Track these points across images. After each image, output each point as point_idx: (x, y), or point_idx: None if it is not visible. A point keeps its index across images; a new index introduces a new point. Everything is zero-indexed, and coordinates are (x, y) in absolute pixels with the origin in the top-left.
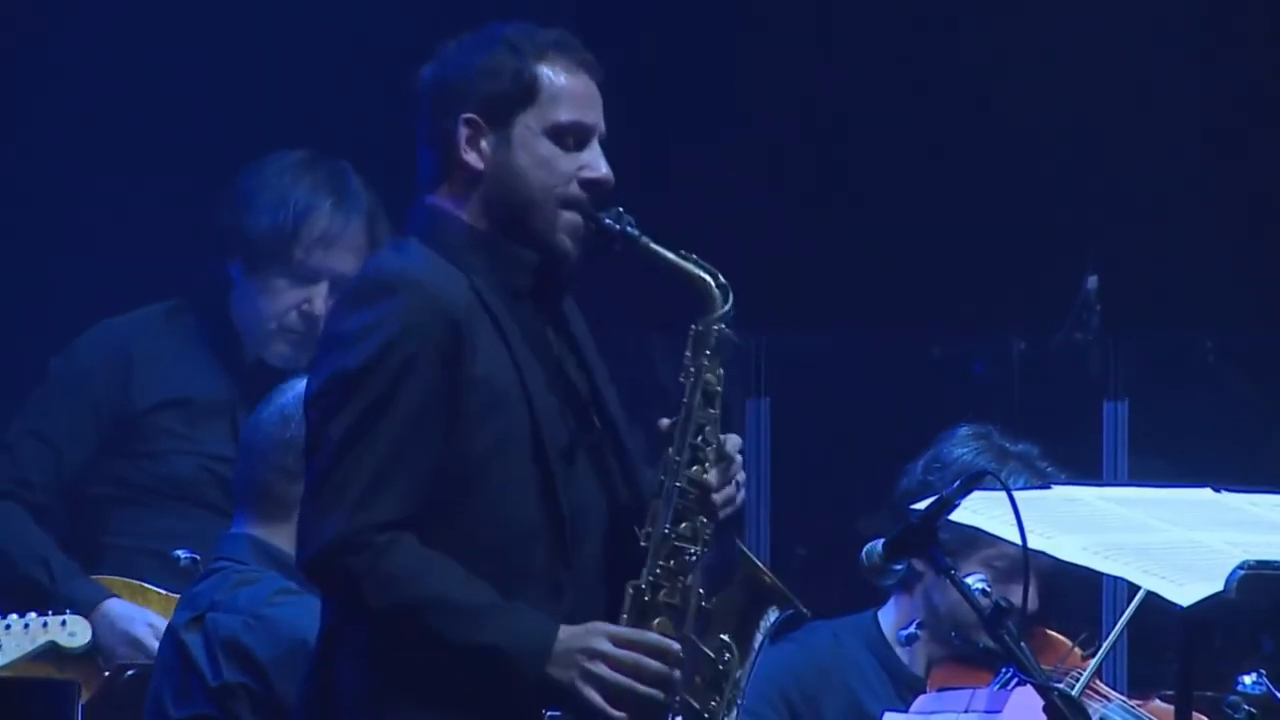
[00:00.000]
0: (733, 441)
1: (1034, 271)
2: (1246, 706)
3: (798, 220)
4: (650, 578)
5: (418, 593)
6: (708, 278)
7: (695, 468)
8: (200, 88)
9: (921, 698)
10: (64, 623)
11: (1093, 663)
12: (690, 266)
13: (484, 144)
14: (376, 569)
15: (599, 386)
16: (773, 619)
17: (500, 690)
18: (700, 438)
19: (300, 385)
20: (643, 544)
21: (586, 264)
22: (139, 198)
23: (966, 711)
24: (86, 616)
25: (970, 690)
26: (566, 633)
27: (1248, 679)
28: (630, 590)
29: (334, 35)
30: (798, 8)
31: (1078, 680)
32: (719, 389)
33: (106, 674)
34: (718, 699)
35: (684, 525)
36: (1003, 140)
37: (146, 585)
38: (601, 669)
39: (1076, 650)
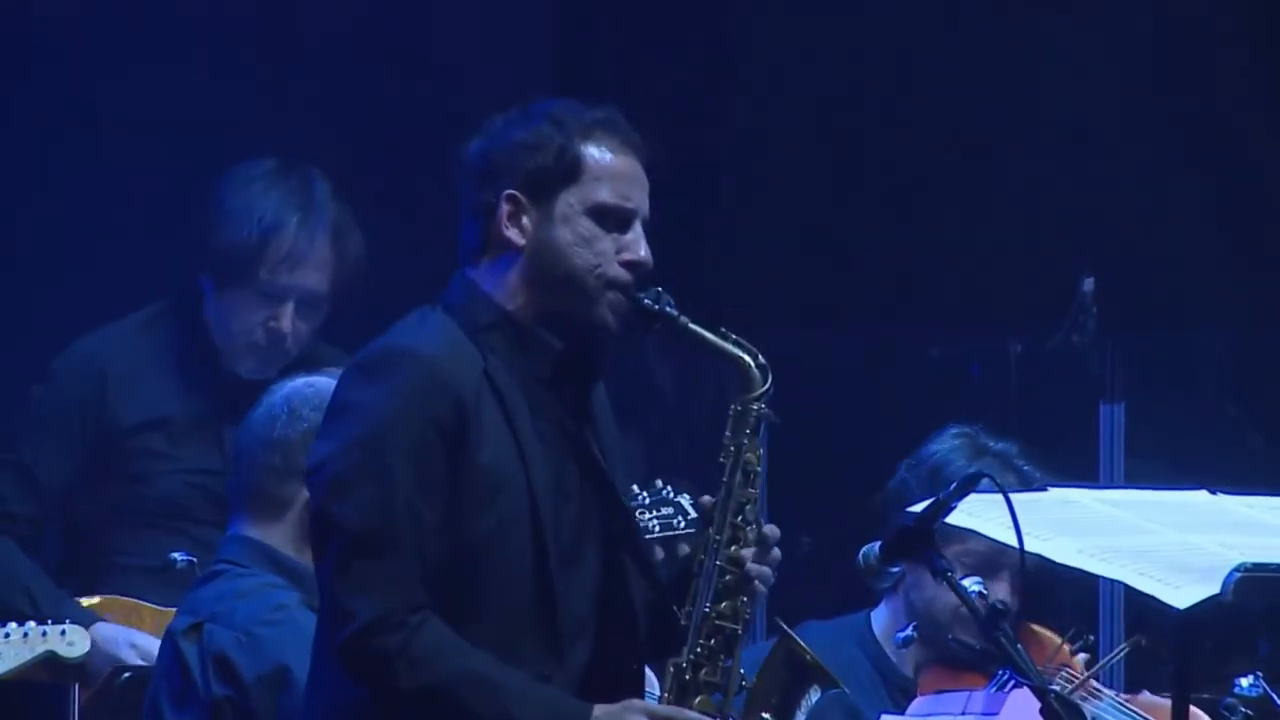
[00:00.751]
0: (770, 529)
1: (1031, 273)
2: (1243, 709)
3: (796, 221)
4: (691, 656)
5: (452, 671)
6: (747, 358)
7: (734, 547)
8: (177, 89)
9: (918, 700)
10: (63, 632)
11: (1092, 670)
12: (730, 347)
13: (525, 220)
14: (410, 649)
15: (613, 476)
16: (814, 698)
17: None
18: (740, 517)
19: (288, 386)
20: (683, 622)
21: (617, 349)
22: (117, 201)
23: (964, 714)
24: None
25: (967, 692)
26: (603, 710)
27: (1244, 681)
28: (671, 668)
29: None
30: (799, 9)
31: (1069, 678)
32: (758, 469)
33: (105, 675)
34: None
35: (724, 604)
36: (1002, 142)
37: (141, 603)
38: None
39: (1065, 647)
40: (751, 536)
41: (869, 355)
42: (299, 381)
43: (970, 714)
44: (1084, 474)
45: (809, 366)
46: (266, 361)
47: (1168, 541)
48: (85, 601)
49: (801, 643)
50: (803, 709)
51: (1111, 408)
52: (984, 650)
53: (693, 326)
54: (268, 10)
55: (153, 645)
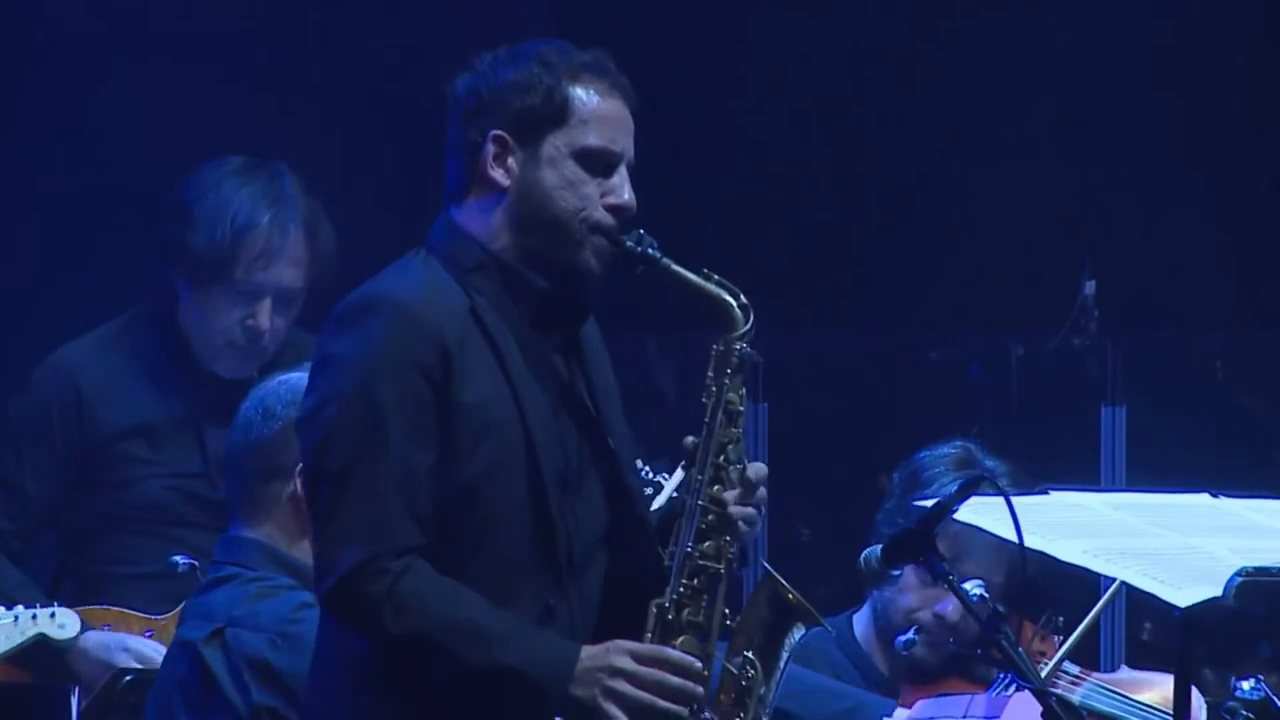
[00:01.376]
0: (756, 468)
1: (1032, 275)
2: (1244, 712)
3: (796, 223)
4: (674, 596)
5: (437, 616)
6: (729, 298)
7: (717, 487)
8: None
9: (920, 703)
10: (53, 615)
11: (1061, 651)
12: (712, 287)
13: (511, 161)
14: (394, 594)
15: (606, 415)
16: (797, 636)
17: (522, 712)
18: (723, 456)
19: (263, 389)
20: (666, 563)
21: (604, 288)
22: (89, 209)
23: (965, 717)
24: (65, 654)
25: (969, 695)
26: (588, 652)
27: (1245, 684)
28: (654, 609)
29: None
30: (801, 9)
31: (1045, 664)
32: (741, 409)
33: (104, 680)
34: (743, 715)
35: (707, 544)
36: (1003, 142)
37: (129, 611)
38: (624, 686)
39: (1038, 634)
40: (735, 477)
41: (869, 356)
42: (273, 382)
43: (972, 716)
44: (1085, 476)
45: (809, 368)
46: (246, 359)
47: (1170, 545)
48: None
49: (785, 583)
50: (786, 648)
51: (1112, 410)
52: (984, 653)
53: (675, 268)
54: (259, 8)
55: (146, 648)
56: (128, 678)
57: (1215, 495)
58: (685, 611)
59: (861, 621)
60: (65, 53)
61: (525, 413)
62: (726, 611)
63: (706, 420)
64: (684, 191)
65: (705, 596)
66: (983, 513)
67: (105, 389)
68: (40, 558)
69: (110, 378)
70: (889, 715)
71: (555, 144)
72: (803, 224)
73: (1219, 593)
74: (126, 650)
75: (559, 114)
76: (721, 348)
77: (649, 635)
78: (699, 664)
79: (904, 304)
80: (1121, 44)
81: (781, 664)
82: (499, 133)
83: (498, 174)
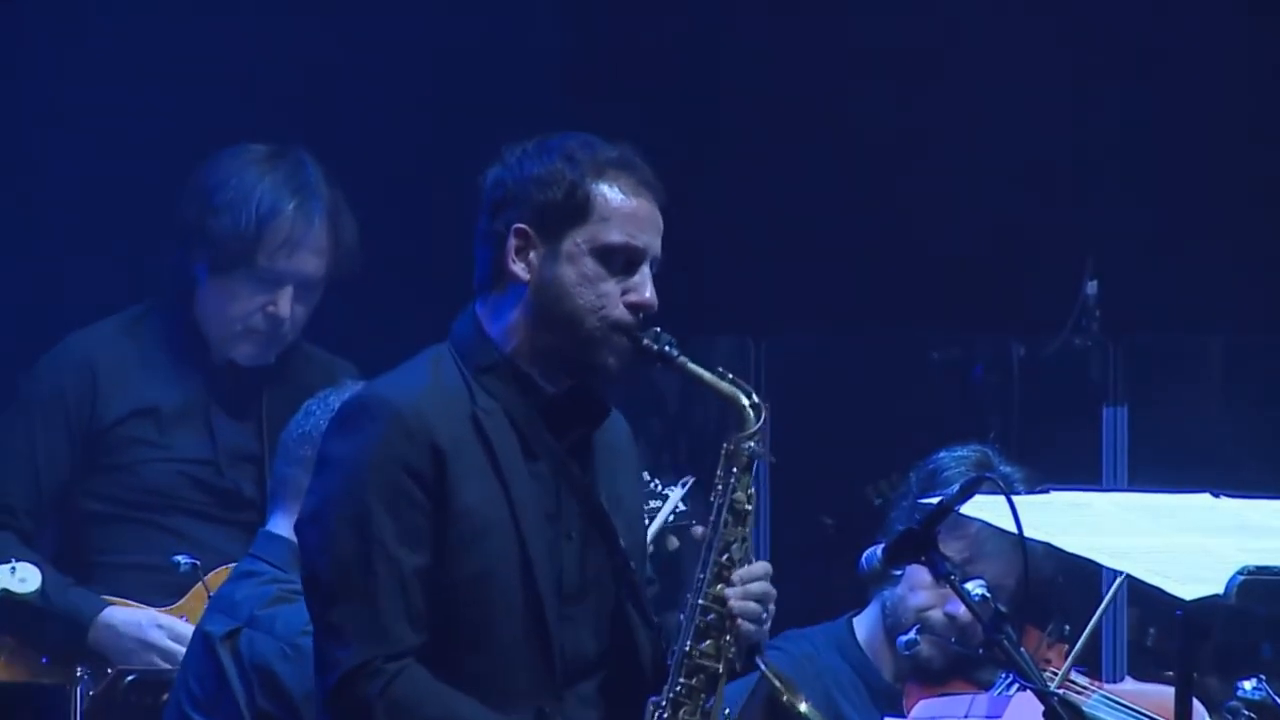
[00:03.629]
0: (759, 566)
1: (1033, 276)
2: (1246, 712)
3: (797, 224)
4: (671, 694)
5: (428, 717)
6: (741, 397)
7: (720, 585)
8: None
9: (921, 703)
10: (13, 570)
11: (1068, 660)
12: (725, 385)
13: (532, 256)
14: (387, 696)
15: (614, 525)
16: None
17: None
18: (726, 556)
19: (330, 390)
20: (667, 661)
21: (616, 390)
22: (103, 193)
23: (967, 717)
24: (88, 629)
25: (970, 696)
26: None
27: (1248, 684)
28: (650, 707)
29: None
30: (792, 14)
31: (1054, 674)
32: (749, 508)
33: (109, 675)
34: None
35: (706, 643)
36: (1002, 144)
37: (129, 602)
38: None
39: (1045, 641)
40: (736, 576)
41: (871, 358)
42: (340, 387)
43: (974, 717)
44: (1087, 476)
45: (810, 369)
46: (265, 347)
47: (1172, 544)
48: None
49: (781, 683)
50: None
51: (1114, 410)
52: (987, 654)
53: (691, 366)
54: (266, 6)
55: (178, 624)
56: (130, 678)
57: (1216, 495)
58: (682, 710)
59: (865, 624)
60: (79, 38)
61: (519, 519)
62: (728, 712)
63: (712, 519)
64: (685, 192)
65: (703, 695)
66: (987, 511)
67: (118, 373)
68: (38, 548)
69: (124, 363)
70: None
71: (576, 240)
72: (804, 226)
73: (1221, 591)
74: (160, 626)
75: (580, 210)
76: (731, 447)
77: None
78: None
79: (905, 305)
80: (1122, 45)
81: None
82: (521, 226)
83: (518, 268)
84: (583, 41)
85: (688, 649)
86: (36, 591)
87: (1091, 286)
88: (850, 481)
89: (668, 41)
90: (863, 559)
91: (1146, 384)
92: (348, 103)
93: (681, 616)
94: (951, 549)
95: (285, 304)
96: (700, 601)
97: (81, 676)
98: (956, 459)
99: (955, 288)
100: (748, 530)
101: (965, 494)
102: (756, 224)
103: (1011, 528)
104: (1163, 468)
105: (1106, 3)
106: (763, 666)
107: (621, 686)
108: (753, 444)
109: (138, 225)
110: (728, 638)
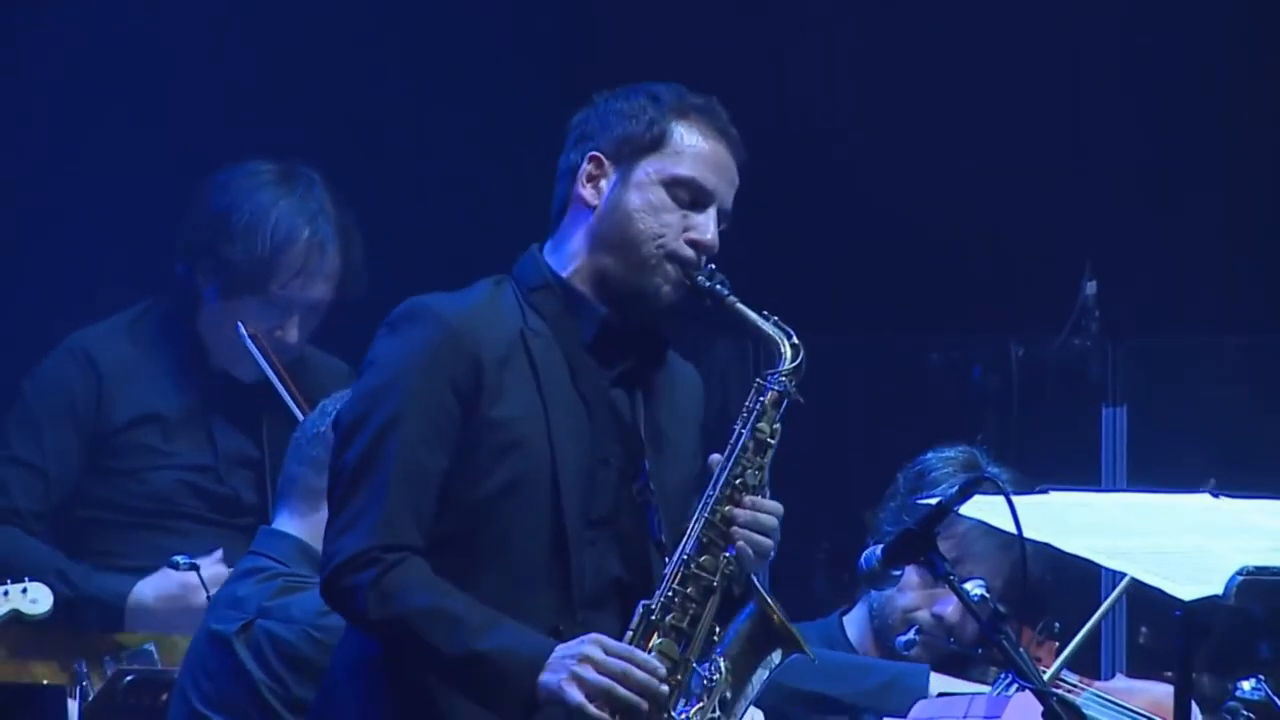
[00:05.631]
0: (771, 504)
1: (1033, 276)
2: (1245, 712)
3: (797, 226)
4: (662, 599)
5: (417, 604)
6: (783, 338)
7: (729, 506)
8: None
9: (920, 704)
10: (24, 590)
11: (1059, 659)
12: (769, 327)
13: (603, 182)
14: (380, 583)
15: (659, 458)
16: (776, 661)
17: (495, 700)
18: (740, 480)
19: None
20: (663, 569)
21: (672, 323)
22: (102, 197)
23: (966, 718)
24: (121, 608)
25: (969, 695)
26: (563, 644)
27: (1246, 685)
28: (640, 608)
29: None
30: (797, 9)
31: (1043, 672)
32: (772, 441)
33: (108, 676)
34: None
35: (705, 557)
36: (1002, 145)
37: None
38: (589, 671)
39: (1036, 639)
40: (749, 502)
41: (871, 359)
42: None
43: (973, 717)
44: (1086, 477)
45: (811, 369)
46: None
47: (1171, 544)
48: None
49: (773, 603)
50: (763, 666)
51: (1113, 410)
52: (985, 653)
53: (739, 306)
54: (266, 5)
55: (206, 572)
56: (129, 678)
57: (1216, 495)
58: (670, 616)
59: (855, 623)
60: (78, 38)
61: (554, 437)
62: (717, 628)
63: (732, 441)
64: None
65: (694, 605)
66: (985, 511)
67: (122, 377)
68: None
69: (126, 366)
70: (924, 683)
71: (647, 169)
72: (802, 227)
73: (1220, 591)
74: (184, 584)
75: (656, 141)
76: (762, 381)
77: (631, 633)
78: (663, 670)
79: (905, 306)
80: (1122, 45)
81: (755, 682)
82: (596, 153)
83: (587, 192)
84: (582, 45)
85: (686, 557)
86: (47, 613)
87: (1090, 287)
88: (850, 482)
89: (668, 46)
90: (861, 559)
91: (1145, 384)
92: (347, 101)
93: (684, 527)
94: (939, 549)
95: (293, 331)
96: (707, 515)
97: (81, 678)
98: (944, 460)
99: (954, 288)
100: (765, 462)
101: (965, 494)
102: (756, 224)
103: (1010, 528)
104: (1162, 468)
105: (1106, 2)
106: (756, 584)
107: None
108: (786, 381)
109: (138, 225)
110: (726, 555)
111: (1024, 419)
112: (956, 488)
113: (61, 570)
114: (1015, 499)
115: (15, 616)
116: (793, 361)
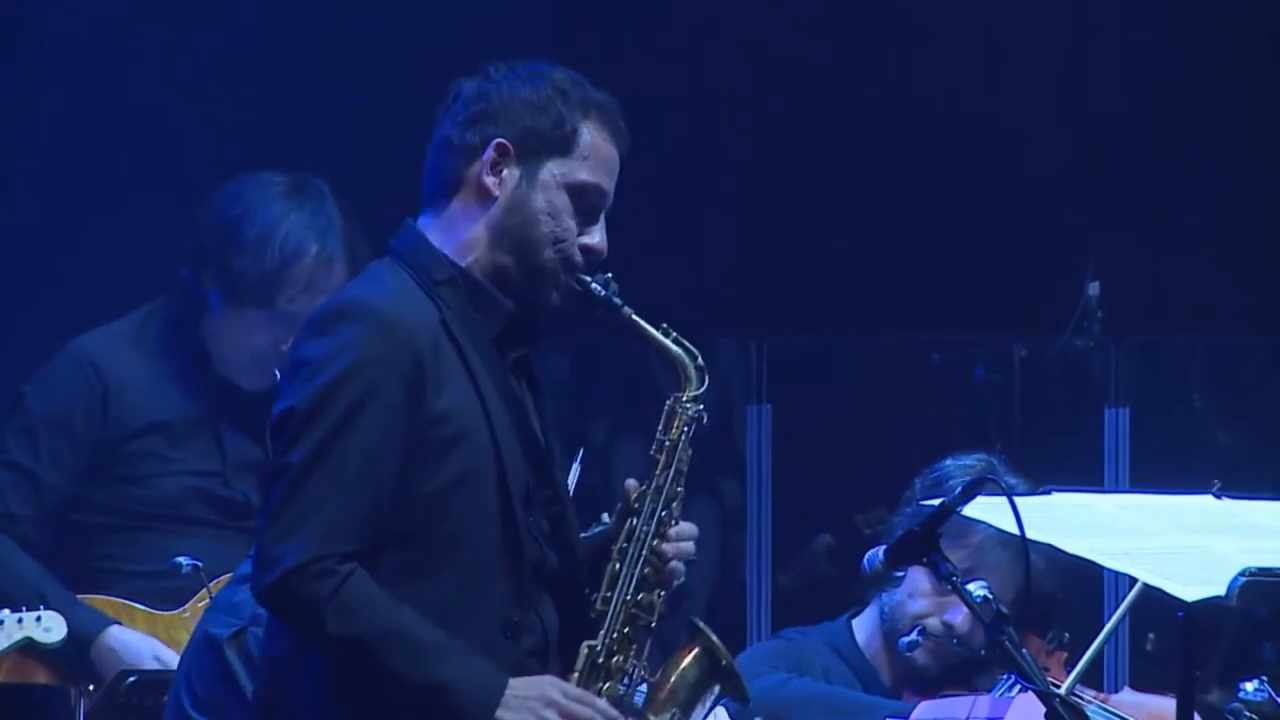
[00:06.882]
0: (689, 528)
1: (1035, 277)
2: (1248, 713)
3: (799, 226)
4: (607, 640)
5: (378, 624)
6: (685, 357)
7: (658, 541)
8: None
9: (923, 704)
10: (39, 619)
11: (1072, 675)
12: (669, 344)
13: (505, 173)
14: (339, 596)
15: (552, 446)
16: (714, 694)
17: None
18: (667, 512)
19: None
20: (599, 607)
21: (559, 322)
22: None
23: (969, 718)
24: (88, 646)
25: (972, 697)
26: (519, 682)
27: (1249, 686)
28: (585, 650)
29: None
30: (793, 11)
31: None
32: (686, 468)
33: (108, 680)
34: None
35: (642, 596)
36: (1003, 145)
37: (134, 605)
38: (553, 716)
39: (1044, 649)
40: (673, 533)
41: (872, 359)
42: None
43: (976, 718)
44: (1088, 478)
45: (813, 370)
46: (271, 376)
47: (1174, 544)
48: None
49: (719, 645)
50: (703, 703)
51: (1116, 411)
52: (988, 655)
53: (635, 319)
54: (266, 10)
55: (174, 658)
56: (131, 679)
57: (1218, 496)
58: (615, 659)
59: (864, 627)
60: (86, 39)
61: (494, 426)
62: (646, 666)
63: (657, 473)
64: (685, 191)
65: (634, 646)
66: (988, 512)
67: (128, 383)
68: (38, 554)
69: (131, 372)
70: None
71: (554, 171)
72: (804, 228)
73: (1222, 592)
74: (157, 658)
75: (565, 143)
76: (673, 404)
77: (577, 675)
78: (620, 717)
79: (907, 306)
80: (1123, 46)
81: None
82: (503, 142)
83: (490, 181)
84: (579, 38)
85: (627, 599)
86: (60, 642)
87: (1093, 288)
88: (851, 483)
89: (667, 40)
90: (865, 560)
91: (1148, 385)
92: (346, 102)
93: (615, 565)
94: (953, 559)
95: None
96: (643, 554)
97: (82, 678)
98: (961, 467)
99: (957, 289)
100: (682, 488)
101: (967, 495)
102: (757, 224)
103: (1013, 529)
104: (1164, 469)
105: (1109, 6)
106: (701, 626)
107: (572, 607)
108: (700, 406)
109: (138, 226)
110: (660, 593)
111: (1026, 420)
112: (959, 488)
113: (43, 593)
114: (1018, 500)
115: (29, 644)
116: (699, 385)
